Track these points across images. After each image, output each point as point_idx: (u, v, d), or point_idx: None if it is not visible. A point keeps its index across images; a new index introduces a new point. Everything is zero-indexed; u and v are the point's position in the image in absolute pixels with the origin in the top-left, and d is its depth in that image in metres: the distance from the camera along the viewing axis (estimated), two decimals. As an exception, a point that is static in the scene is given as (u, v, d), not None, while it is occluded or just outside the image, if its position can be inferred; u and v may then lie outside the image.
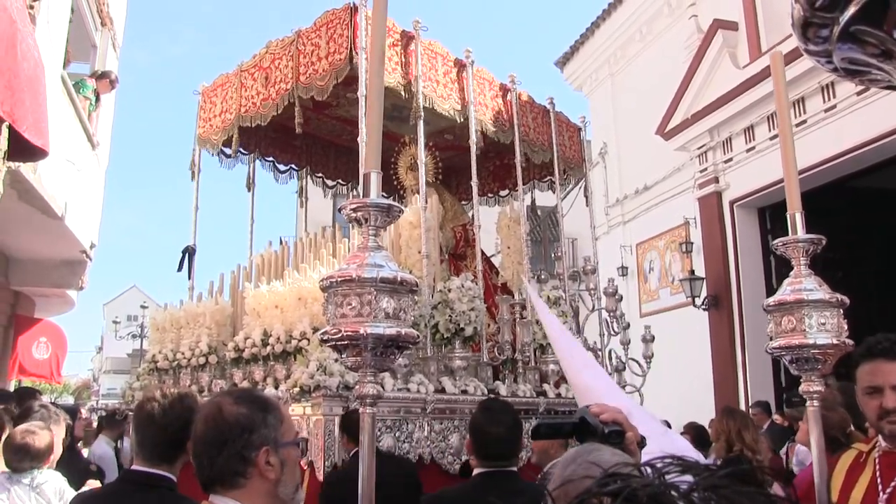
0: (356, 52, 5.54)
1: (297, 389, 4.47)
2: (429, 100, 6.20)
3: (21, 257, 9.72)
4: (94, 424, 10.24)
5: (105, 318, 54.01)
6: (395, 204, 1.97)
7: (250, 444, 2.02)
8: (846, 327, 2.28)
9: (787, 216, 2.42)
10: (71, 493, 4.28)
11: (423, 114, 6.06)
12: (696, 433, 9.90)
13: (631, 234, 14.90)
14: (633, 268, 14.62)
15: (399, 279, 1.89)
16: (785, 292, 2.30)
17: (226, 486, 2.03)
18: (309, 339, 4.73)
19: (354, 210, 1.92)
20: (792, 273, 2.34)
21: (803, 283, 2.29)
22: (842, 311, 2.28)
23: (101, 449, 7.67)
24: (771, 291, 11.75)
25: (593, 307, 8.06)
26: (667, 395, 10.43)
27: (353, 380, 4.52)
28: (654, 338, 8.03)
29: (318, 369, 4.44)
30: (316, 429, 4.61)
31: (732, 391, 11.67)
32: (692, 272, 12.65)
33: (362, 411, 1.93)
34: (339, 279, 1.87)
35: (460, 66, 6.59)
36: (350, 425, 4.35)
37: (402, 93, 5.99)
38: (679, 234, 13.43)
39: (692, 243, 13.03)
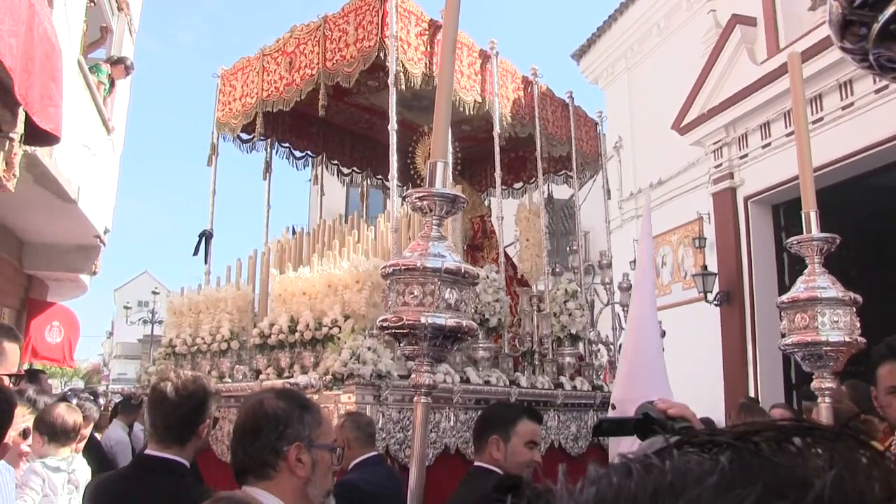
0: (386, 40, 5.50)
1: (329, 377, 4.46)
2: (454, 91, 6.14)
3: (35, 241, 9.72)
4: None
5: (116, 303, 54.20)
6: (460, 195, 1.96)
7: (283, 437, 2.07)
8: (858, 325, 2.29)
9: (802, 215, 2.42)
10: None
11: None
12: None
13: (644, 228, 14.84)
14: (644, 262, 14.57)
15: (462, 271, 1.88)
16: (798, 290, 2.32)
17: (257, 476, 2.07)
18: (340, 327, 4.70)
19: (420, 199, 1.91)
20: (806, 271, 2.35)
21: (817, 282, 2.31)
22: (854, 309, 2.29)
23: (116, 434, 7.65)
24: (783, 288, 11.80)
25: (608, 301, 8.05)
26: (676, 389, 10.39)
27: (385, 368, 4.51)
28: (665, 333, 8.01)
29: (351, 357, 4.42)
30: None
31: (742, 387, 11.65)
32: (705, 267, 12.62)
33: (416, 400, 1.92)
34: (403, 267, 1.87)
35: (484, 57, 6.54)
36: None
37: (425, 84, 5.94)
38: (692, 230, 13.40)
39: (705, 239, 12.99)
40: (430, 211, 1.94)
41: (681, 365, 10.41)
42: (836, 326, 2.22)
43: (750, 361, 11.78)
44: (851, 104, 10.15)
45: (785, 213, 12.07)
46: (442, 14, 5.89)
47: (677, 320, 11.42)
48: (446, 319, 1.85)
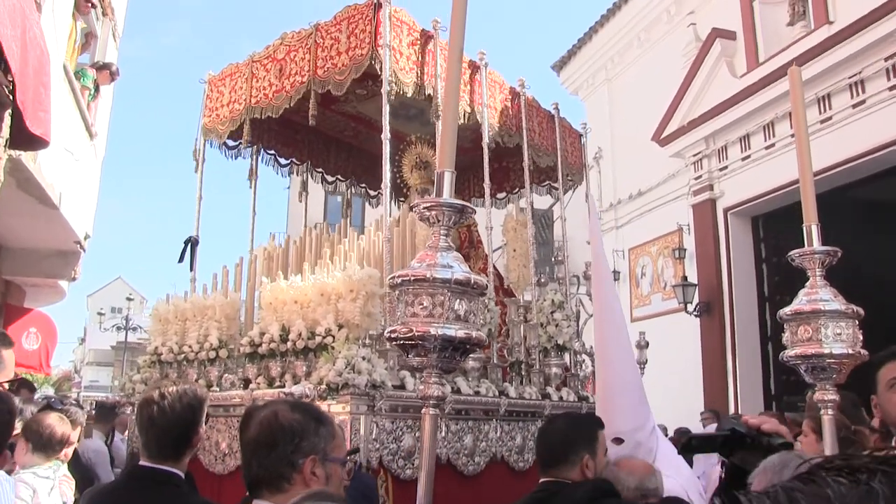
0: (378, 49, 5.49)
1: (323, 387, 4.43)
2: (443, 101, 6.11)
3: (13, 246, 9.59)
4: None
5: (89, 309, 53.60)
6: (468, 205, 1.95)
7: (299, 450, 2.05)
8: (861, 338, 2.31)
9: (804, 227, 2.46)
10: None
11: (439, 115, 5.94)
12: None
13: (624, 239, 14.96)
14: (625, 272, 14.67)
15: (472, 282, 1.87)
16: (801, 302, 2.33)
17: (271, 490, 2.05)
18: (334, 336, 4.67)
19: (428, 209, 1.91)
20: (808, 283, 2.37)
21: (819, 294, 2.32)
22: (857, 321, 2.31)
23: (94, 443, 7.53)
24: (763, 299, 11.91)
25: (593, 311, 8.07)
26: (655, 399, 10.44)
27: (379, 378, 4.49)
28: (647, 344, 8.06)
29: (346, 367, 4.39)
30: (343, 428, 4.56)
31: (722, 397, 11.74)
32: (685, 278, 12.71)
33: (424, 412, 1.91)
34: (412, 278, 1.86)
35: (473, 67, 6.56)
36: None
37: (416, 93, 5.93)
38: (672, 241, 13.50)
39: (685, 249, 13.10)
40: (438, 221, 1.93)
41: (660, 375, 10.49)
42: (839, 339, 2.25)
43: (730, 372, 11.87)
44: (830, 118, 10.31)
45: (764, 224, 12.21)
46: (433, 24, 5.93)
47: (657, 331, 11.48)
48: (456, 331, 1.83)
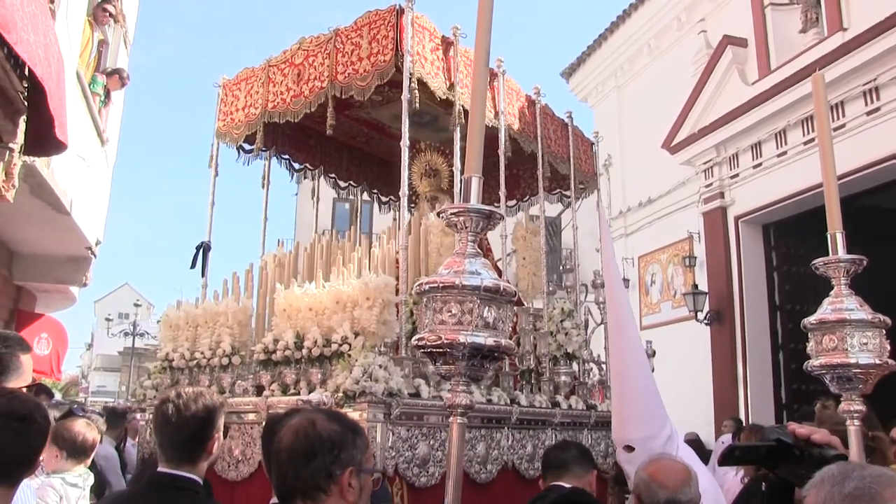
0: (401, 55, 5.48)
1: (340, 395, 4.41)
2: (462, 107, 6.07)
3: (25, 252, 9.60)
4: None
5: (96, 315, 53.80)
6: (497, 210, 1.93)
7: (338, 462, 2.02)
8: (888, 347, 2.27)
9: (828, 235, 2.42)
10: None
11: (460, 122, 5.87)
12: (693, 446, 9.92)
13: (633, 247, 14.90)
14: (634, 280, 14.61)
15: (501, 289, 1.85)
16: (825, 311, 2.29)
17: (305, 500, 2.01)
18: (350, 344, 4.66)
19: (455, 215, 1.88)
20: (832, 292, 2.34)
21: (844, 303, 2.28)
22: (884, 331, 2.27)
23: (104, 449, 7.49)
24: (773, 308, 11.85)
25: (602, 320, 8.04)
26: (665, 407, 10.37)
27: (395, 386, 4.47)
28: (654, 353, 8.05)
29: (363, 375, 4.37)
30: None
31: (733, 406, 11.67)
32: (695, 286, 12.64)
33: (452, 420, 1.88)
34: (441, 285, 1.83)
35: (491, 75, 6.54)
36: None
37: (443, 100, 5.91)
38: (682, 248, 13.44)
39: (695, 258, 13.04)
40: (466, 227, 1.91)
41: (671, 383, 10.42)
42: (866, 348, 2.21)
43: (740, 380, 11.80)
44: (843, 125, 10.23)
45: (775, 233, 12.14)
46: (453, 31, 5.91)
47: (667, 339, 11.45)
48: (485, 338, 1.80)
